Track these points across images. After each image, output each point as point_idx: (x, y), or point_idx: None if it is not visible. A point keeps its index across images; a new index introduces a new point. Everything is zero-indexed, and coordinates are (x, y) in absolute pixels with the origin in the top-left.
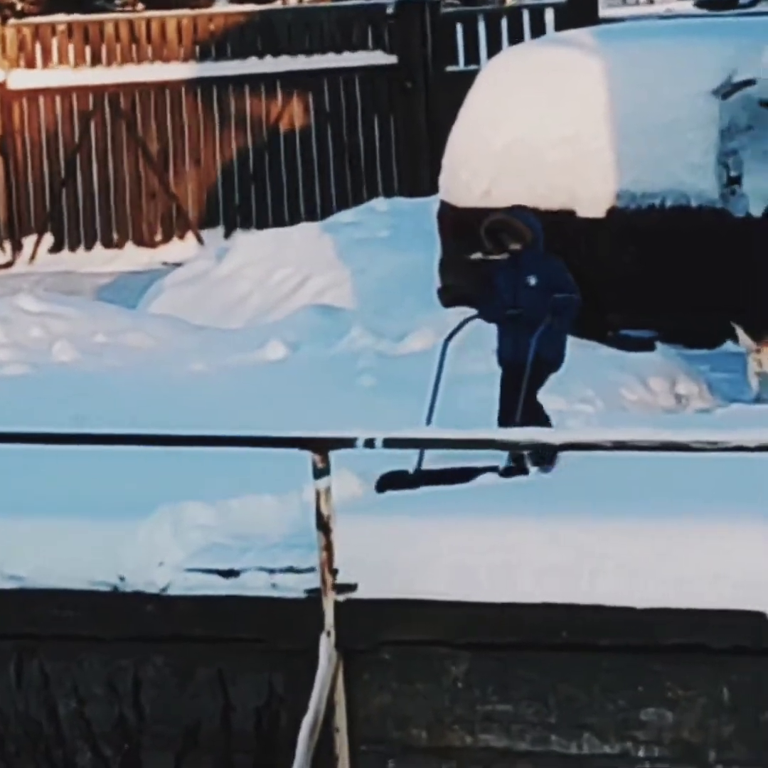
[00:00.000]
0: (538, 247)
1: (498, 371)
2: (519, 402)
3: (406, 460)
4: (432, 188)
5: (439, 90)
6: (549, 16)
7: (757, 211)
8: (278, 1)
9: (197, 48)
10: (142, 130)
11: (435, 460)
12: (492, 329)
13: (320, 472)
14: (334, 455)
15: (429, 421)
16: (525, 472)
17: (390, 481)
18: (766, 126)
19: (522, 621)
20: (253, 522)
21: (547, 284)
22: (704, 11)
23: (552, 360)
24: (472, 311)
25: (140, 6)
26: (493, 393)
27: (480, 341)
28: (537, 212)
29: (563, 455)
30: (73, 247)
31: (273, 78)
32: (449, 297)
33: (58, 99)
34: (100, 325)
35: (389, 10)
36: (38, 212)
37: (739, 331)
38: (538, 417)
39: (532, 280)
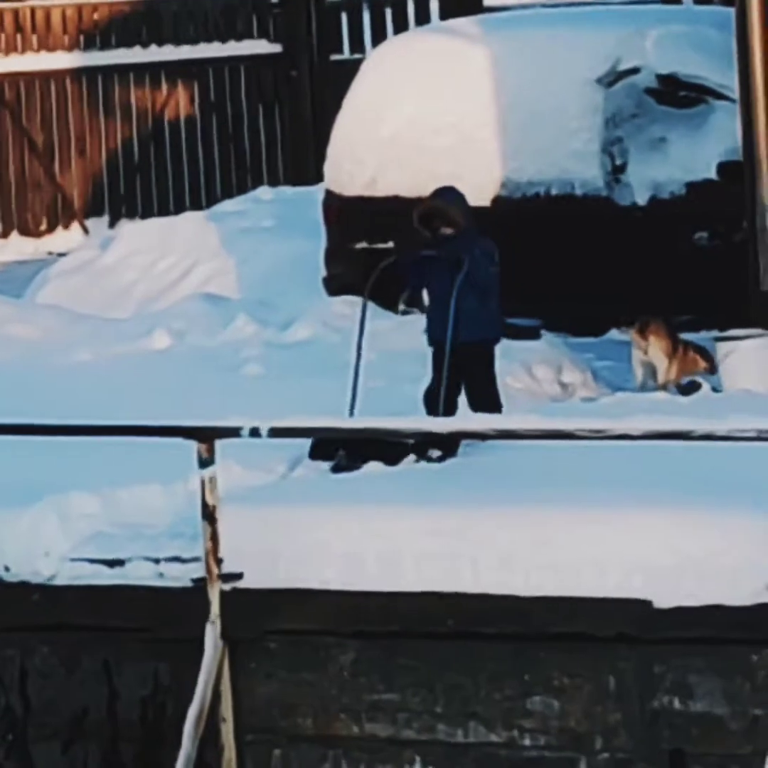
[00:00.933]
0: (470, 228)
1: (384, 361)
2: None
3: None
4: (317, 177)
5: (325, 79)
6: (434, 5)
7: (641, 200)
8: None
9: (82, 37)
10: (27, 120)
11: None
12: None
13: (205, 462)
14: (219, 444)
15: (355, 385)
16: (454, 452)
17: (322, 447)
18: (651, 114)
19: (408, 609)
20: (139, 511)
21: (476, 265)
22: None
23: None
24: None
25: None
26: (380, 382)
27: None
28: (421, 201)
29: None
30: None
31: (158, 67)
32: (334, 286)
33: None
34: None
35: None
36: None
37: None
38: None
39: (465, 266)
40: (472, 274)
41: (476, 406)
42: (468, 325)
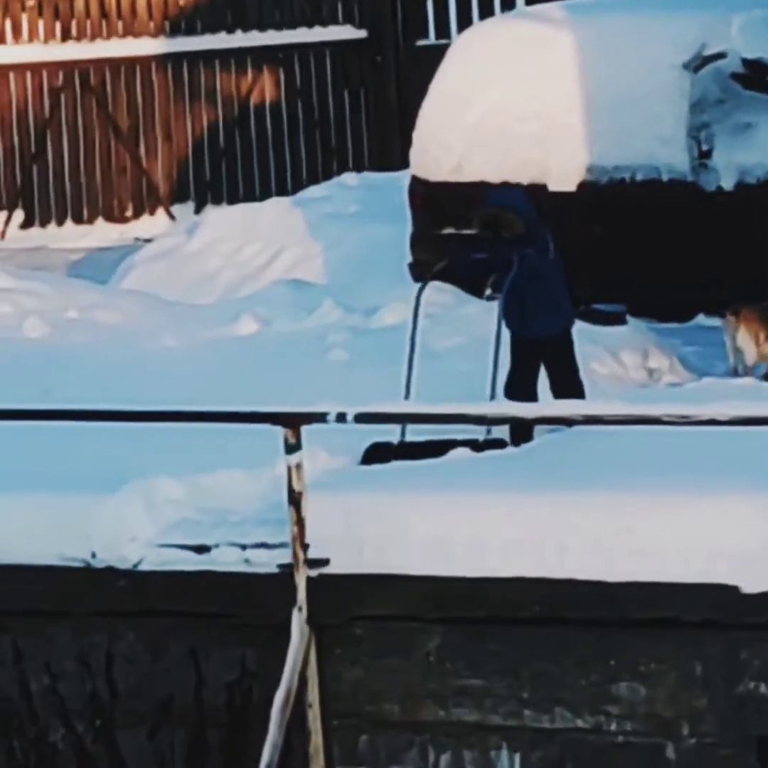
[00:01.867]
0: (532, 231)
1: (471, 346)
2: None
3: (390, 434)
4: (403, 163)
5: (410, 64)
6: None
7: (727, 185)
8: None
9: (167, 23)
10: (112, 106)
11: (418, 432)
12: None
13: (292, 447)
14: (305, 430)
15: (409, 380)
16: (503, 445)
17: (375, 454)
18: (737, 99)
19: (493, 595)
20: (225, 497)
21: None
22: None
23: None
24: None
25: None
26: (467, 367)
27: (452, 316)
28: (507, 186)
29: (537, 429)
30: (43, 223)
31: (243, 53)
32: (420, 271)
33: (28, 75)
34: (71, 301)
35: None
36: (8, 188)
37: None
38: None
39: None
40: (526, 271)
41: (559, 395)
42: (536, 320)
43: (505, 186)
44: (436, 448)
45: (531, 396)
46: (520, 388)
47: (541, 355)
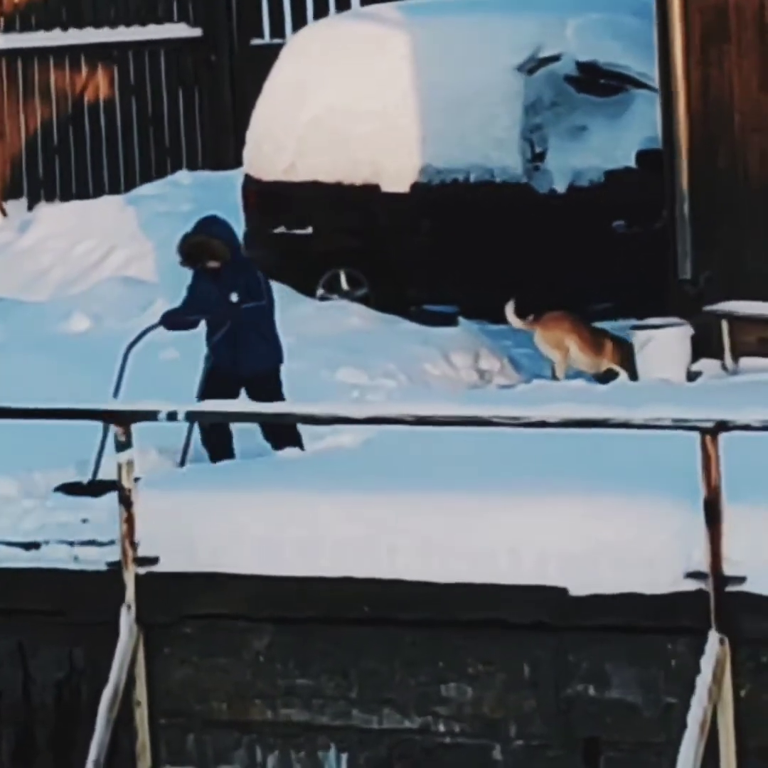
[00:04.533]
0: (237, 258)
1: (302, 346)
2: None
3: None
4: (237, 162)
5: (244, 63)
6: None
7: (560, 188)
8: None
9: (1, 19)
10: None
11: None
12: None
13: (122, 445)
14: (136, 428)
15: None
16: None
17: (66, 492)
18: (571, 102)
19: (323, 595)
20: (55, 494)
21: (247, 296)
22: None
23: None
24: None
25: None
26: (298, 366)
27: (285, 316)
28: (341, 187)
29: (365, 430)
30: None
31: (78, 50)
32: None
33: None
34: None
35: None
36: None
37: (508, 312)
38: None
39: (234, 297)
40: (241, 320)
41: (271, 432)
42: (248, 356)
43: (209, 218)
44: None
45: (226, 434)
46: (216, 426)
47: (248, 392)
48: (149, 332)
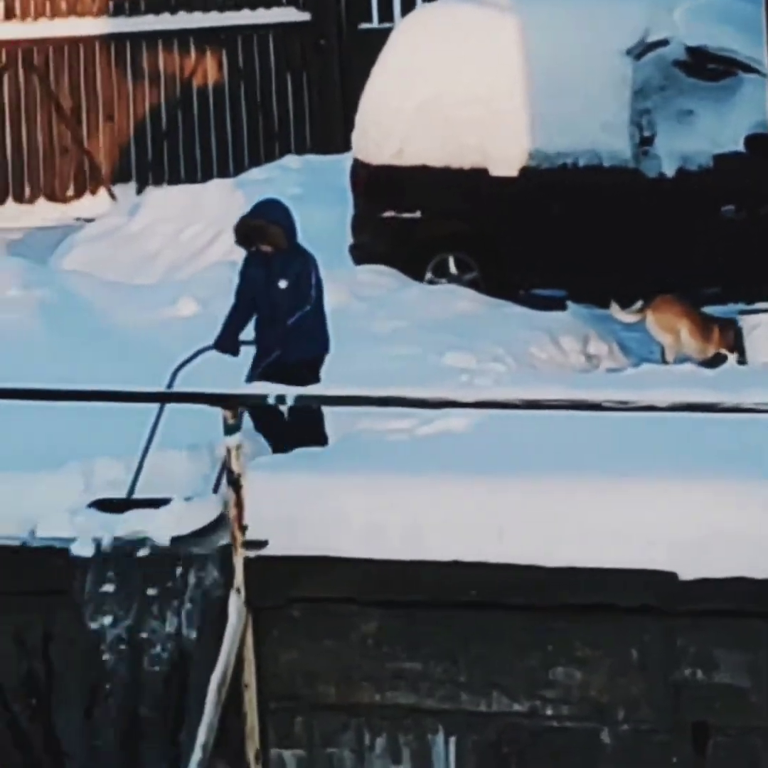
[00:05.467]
0: (292, 246)
1: (411, 330)
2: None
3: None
4: (345, 146)
5: (353, 48)
6: None
7: (669, 172)
8: None
9: (111, 3)
10: (55, 86)
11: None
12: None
13: (231, 429)
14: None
15: (153, 433)
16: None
17: (100, 508)
18: (679, 86)
19: (432, 579)
20: (164, 477)
21: (295, 286)
22: None
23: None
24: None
25: None
26: (407, 350)
27: (393, 300)
28: (449, 171)
29: (473, 414)
30: None
31: (186, 34)
32: (361, 255)
33: None
34: (12, 280)
35: None
36: None
37: (614, 311)
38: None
39: (283, 284)
40: (288, 345)
41: (295, 419)
42: (296, 344)
43: (270, 202)
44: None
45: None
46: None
47: (288, 380)
48: (201, 354)
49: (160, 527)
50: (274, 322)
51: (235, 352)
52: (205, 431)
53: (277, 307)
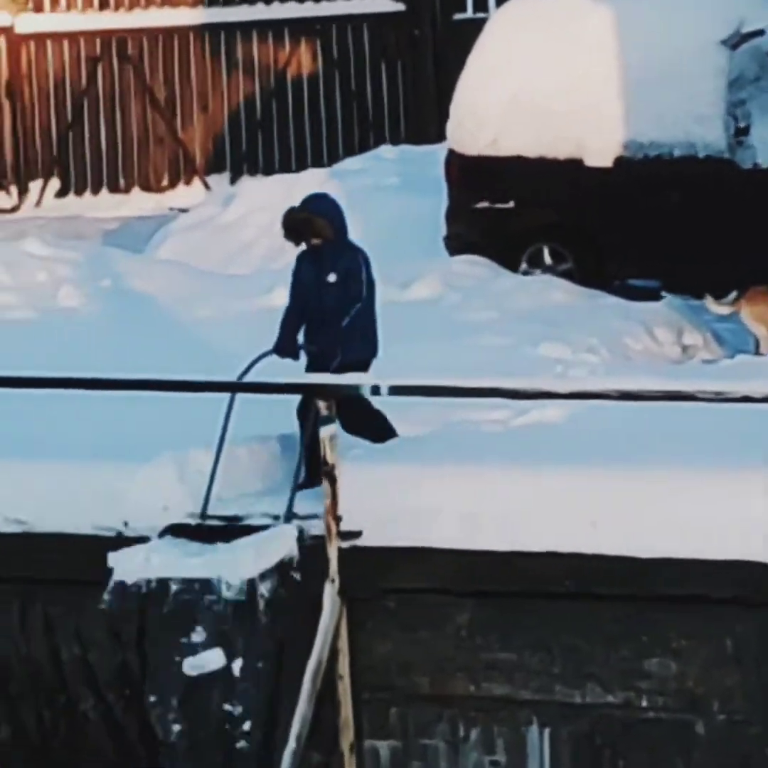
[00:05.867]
0: (340, 238)
1: (505, 320)
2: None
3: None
4: (439, 136)
5: (447, 38)
6: None
7: (764, 162)
8: None
9: None
10: (150, 76)
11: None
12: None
13: (326, 420)
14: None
15: (219, 452)
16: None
17: (174, 533)
18: None
19: (526, 569)
20: (257, 468)
21: (345, 280)
22: None
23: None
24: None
25: None
26: (501, 341)
27: (487, 290)
28: (544, 161)
29: (568, 405)
30: (79, 192)
31: (281, 24)
32: (456, 245)
33: (65, 44)
34: (106, 270)
35: None
36: (45, 157)
37: (709, 304)
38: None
39: (332, 277)
40: (340, 313)
41: (353, 425)
42: (345, 349)
43: (318, 195)
44: (232, 532)
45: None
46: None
47: None
48: (260, 360)
49: (234, 570)
50: (326, 322)
51: (295, 356)
52: (266, 423)
53: (327, 303)
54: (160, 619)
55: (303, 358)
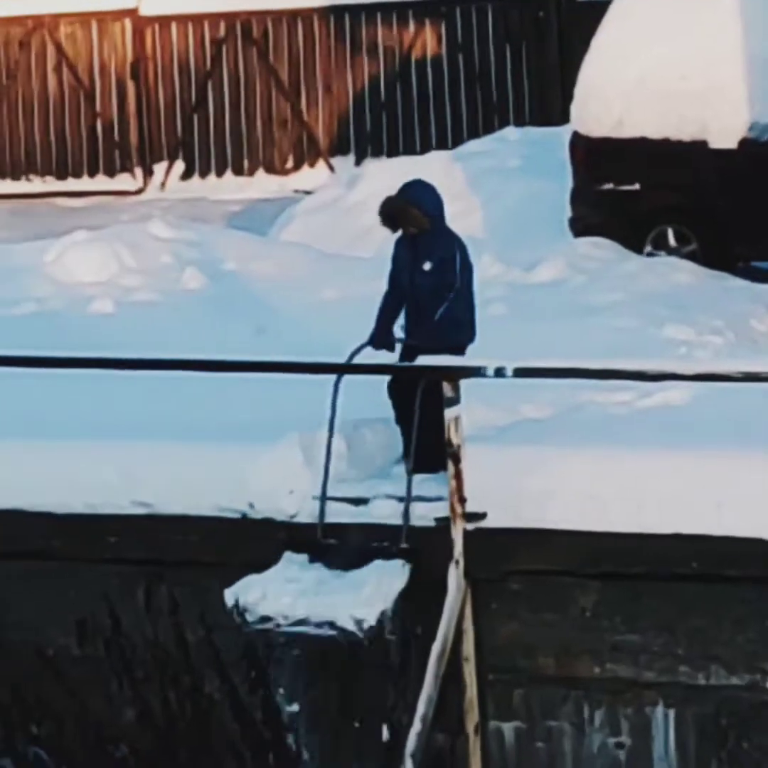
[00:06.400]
0: (437, 226)
1: (630, 302)
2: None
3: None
4: (563, 118)
5: (572, 20)
6: None
7: None
8: None
9: None
10: (274, 58)
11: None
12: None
13: (450, 401)
14: (464, 384)
15: (329, 452)
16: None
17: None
18: None
19: (651, 551)
20: (383, 450)
21: (439, 268)
22: None
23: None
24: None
25: None
26: (626, 323)
27: (612, 272)
28: (668, 143)
29: (693, 386)
30: (203, 174)
31: (405, 6)
32: (580, 227)
33: (190, 25)
34: (231, 252)
35: None
36: (169, 139)
37: None
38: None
39: (427, 266)
40: (433, 303)
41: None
42: (439, 334)
43: (415, 183)
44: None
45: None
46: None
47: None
48: (357, 353)
49: (349, 614)
50: (420, 311)
51: (390, 348)
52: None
53: (421, 291)
54: None
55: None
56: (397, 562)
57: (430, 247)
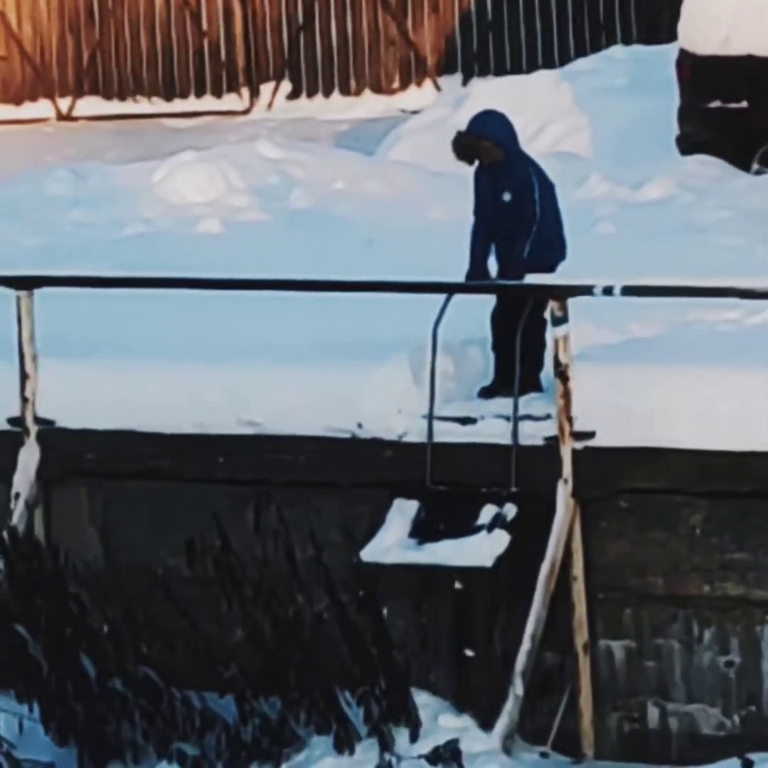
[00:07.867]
0: (511, 155)
1: (737, 220)
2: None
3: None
4: (671, 36)
5: None
6: None
7: None
8: None
9: None
10: None
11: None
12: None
13: (558, 320)
14: (572, 303)
15: (433, 372)
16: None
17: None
18: None
19: (761, 469)
20: (491, 369)
21: (519, 198)
22: None
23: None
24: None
25: None
26: (733, 241)
27: (720, 190)
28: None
29: None
30: (310, 95)
31: None
32: (688, 145)
33: None
34: (338, 172)
35: None
36: (276, 59)
37: None
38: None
39: (507, 196)
40: (517, 236)
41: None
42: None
43: (483, 115)
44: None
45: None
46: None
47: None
48: (448, 304)
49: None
50: (507, 245)
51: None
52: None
53: (505, 222)
54: None
55: None
56: (509, 508)
57: (508, 177)
